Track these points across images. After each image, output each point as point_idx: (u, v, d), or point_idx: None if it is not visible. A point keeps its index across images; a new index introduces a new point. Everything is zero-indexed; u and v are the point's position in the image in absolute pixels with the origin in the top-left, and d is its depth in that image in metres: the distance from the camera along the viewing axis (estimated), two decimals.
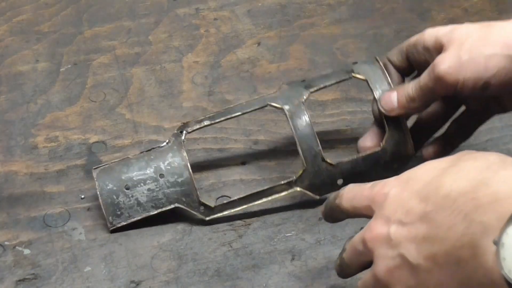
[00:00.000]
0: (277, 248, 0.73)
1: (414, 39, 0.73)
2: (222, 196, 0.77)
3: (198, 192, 0.74)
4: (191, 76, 0.88)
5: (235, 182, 0.78)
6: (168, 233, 0.74)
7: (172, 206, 0.74)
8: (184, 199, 0.74)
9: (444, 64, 0.68)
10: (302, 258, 0.73)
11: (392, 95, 0.73)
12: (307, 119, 0.74)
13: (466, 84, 0.68)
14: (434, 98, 0.72)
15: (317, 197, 0.75)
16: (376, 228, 0.58)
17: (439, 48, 0.70)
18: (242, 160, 0.80)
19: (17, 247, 0.73)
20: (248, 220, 0.75)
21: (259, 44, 0.92)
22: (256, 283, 0.71)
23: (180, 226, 0.75)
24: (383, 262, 0.58)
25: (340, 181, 0.75)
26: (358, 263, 0.62)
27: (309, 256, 0.73)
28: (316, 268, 0.72)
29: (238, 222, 0.75)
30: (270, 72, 0.89)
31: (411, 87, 0.72)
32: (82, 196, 0.77)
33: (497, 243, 0.50)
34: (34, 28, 0.93)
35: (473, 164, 0.55)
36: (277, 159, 0.80)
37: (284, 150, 0.80)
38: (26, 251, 0.73)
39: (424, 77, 0.70)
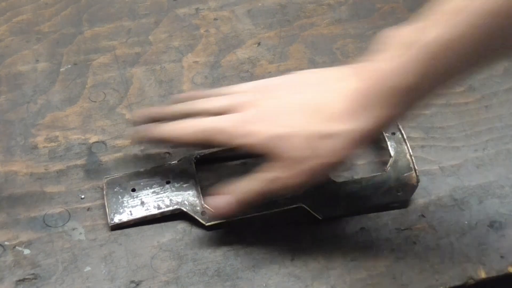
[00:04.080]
0: (277, 248, 0.73)
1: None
2: None
3: (202, 196, 0.74)
4: (191, 76, 0.88)
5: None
6: (168, 233, 0.74)
7: (175, 207, 0.74)
8: (187, 203, 0.74)
9: (290, 179, 0.67)
10: (302, 258, 0.73)
11: (225, 199, 0.71)
12: None
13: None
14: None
15: (320, 217, 0.75)
16: None
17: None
18: (242, 160, 0.80)
19: (17, 247, 0.73)
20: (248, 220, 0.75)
21: (259, 44, 0.92)
22: (256, 283, 0.71)
23: (180, 226, 0.75)
24: None
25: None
26: None
27: (309, 256, 0.73)
28: (316, 268, 0.72)
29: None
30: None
31: (245, 193, 0.70)
32: (82, 196, 0.77)
33: None
34: (34, 28, 0.93)
35: None
36: None
37: None
38: (26, 251, 0.73)
39: (261, 188, 0.69)
